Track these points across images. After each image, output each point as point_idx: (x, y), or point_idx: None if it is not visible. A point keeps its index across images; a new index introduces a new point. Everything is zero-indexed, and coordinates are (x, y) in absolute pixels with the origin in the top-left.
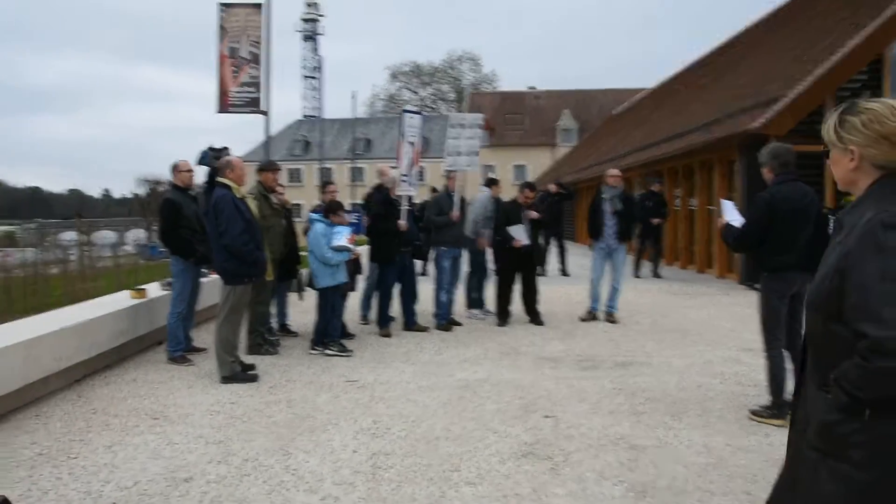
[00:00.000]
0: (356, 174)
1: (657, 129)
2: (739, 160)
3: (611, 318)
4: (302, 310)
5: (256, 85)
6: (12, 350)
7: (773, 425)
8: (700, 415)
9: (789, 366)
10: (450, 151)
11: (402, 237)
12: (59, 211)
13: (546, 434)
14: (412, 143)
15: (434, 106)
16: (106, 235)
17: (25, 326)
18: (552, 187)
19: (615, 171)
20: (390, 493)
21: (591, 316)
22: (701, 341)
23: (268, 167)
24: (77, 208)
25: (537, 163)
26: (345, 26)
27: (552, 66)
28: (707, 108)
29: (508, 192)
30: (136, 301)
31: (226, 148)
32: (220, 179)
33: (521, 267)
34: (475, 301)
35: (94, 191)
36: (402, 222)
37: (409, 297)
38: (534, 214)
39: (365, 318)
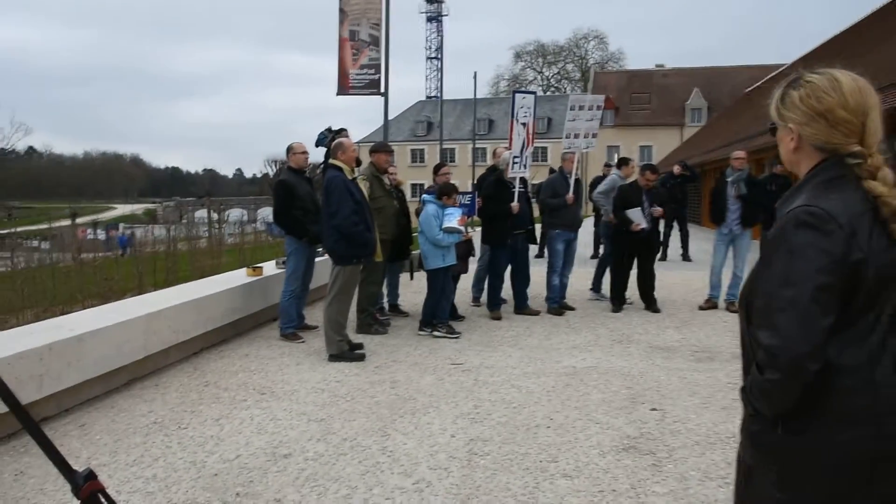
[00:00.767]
0: (478, 154)
1: None
2: (887, 139)
3: (731, 308)
4: (414, 290)
5: (376, 67)
6: (134, 323)
7: None
8: None
9: None
10: (568, 133)
11: (515, 219)
12: (195, 190)
13: (651, 428)
14: (524, 124)
15: (559, 86)
16: (236, 213)
17: (148, 301)
18: (676, 169)
19: (740, 153)
20: (484, 480)
21: (710, 304)
22: None
23: (380, 148)
24: (210, 187)
25: (664, 143)
26: (470, 6)
27: (682, 42)
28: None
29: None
30: (252, 279)
31: (343, 129)
32: (331, 161)
33: (639, 252)
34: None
35: (229, 170)
36: (515, 204)
37: (521, 280)
38: (658, 211)
39: (476, 301)
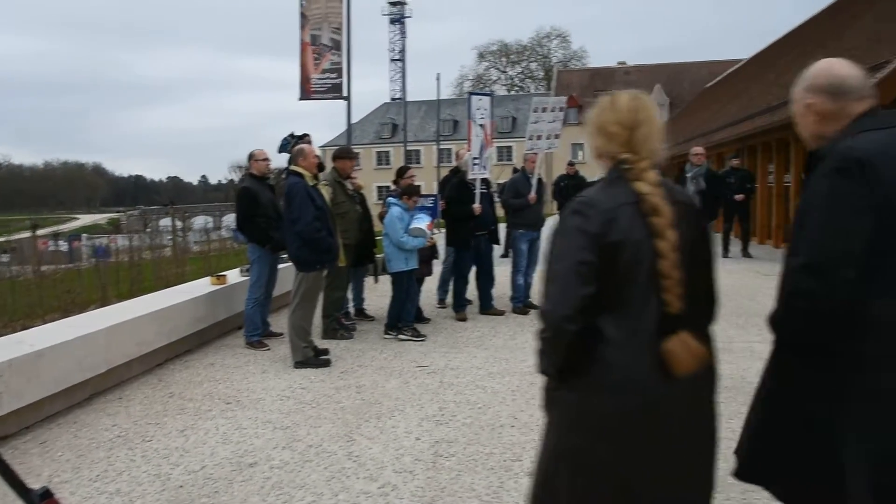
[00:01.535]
0: (443, 155)
1: (752, 102)
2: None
3: None
4: (380, 294)
5: (338, 71)
6: (95, 336)
7: None
8: None
9: None
10: (530, 135)
11: (478, 221)
12: (159, 198)
13: None
14: (482, 126)
15: (523, 85)
16: (202, 220)
17: (109, 313)
18: None
19: (698, 149)
20: (449, 482)
21: None
22: None
23: (344, 154)
24: (174, 195)
25: None
26: (433, 8)
27: (644, 40)
28: None
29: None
30: (216, 287)
31: (306, 135)
32: (292, 168)
33: None
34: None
35: (193, 177)
36: (477, 206)
37: (486, 281)
38: None
39: (442, 303)
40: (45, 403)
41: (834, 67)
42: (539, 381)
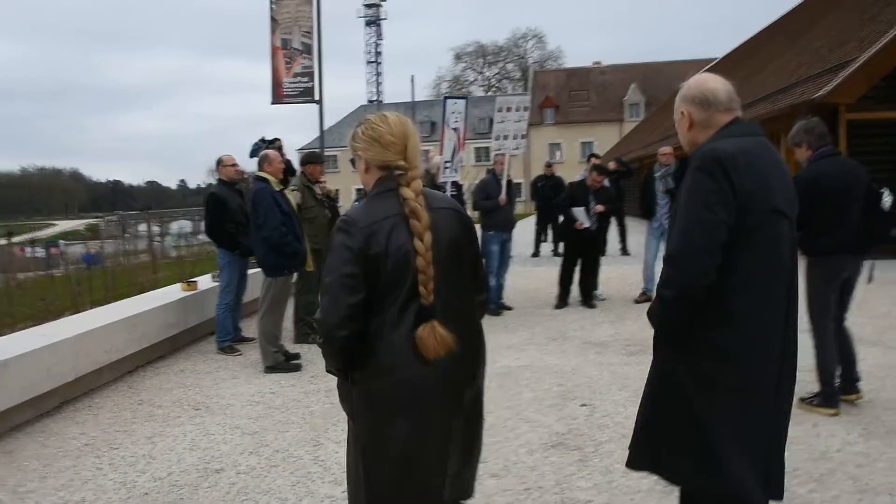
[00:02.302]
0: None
1: None
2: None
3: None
4: None
5: (310, 75)
6: (63, 344)
7: (823, 414)
8: None
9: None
10: (497, 135)
11: None
12: (135, 204)
13: (580, 424)
14: (456, 129)
15: (500, 86)
16: (182, 225)
17: (78, 321)
18: (611, 164)
19: (666, 149)
20: None
21: (645, 298)
22: None
23: (312, 159)
24: (153, 199)
25: (604, 139)
26: (409, 9)
27: (619, 40)
28: (776, 76)
29: (575, 170)
30: (187, 293)
31: (277, 139)
32: (258, 173)
33: (583, 251)
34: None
35: (172, 182)
36: None
37: None
38: (600, 208)
39: None
40: (13, 413)
41: (707, 82)
42: (505, 381)
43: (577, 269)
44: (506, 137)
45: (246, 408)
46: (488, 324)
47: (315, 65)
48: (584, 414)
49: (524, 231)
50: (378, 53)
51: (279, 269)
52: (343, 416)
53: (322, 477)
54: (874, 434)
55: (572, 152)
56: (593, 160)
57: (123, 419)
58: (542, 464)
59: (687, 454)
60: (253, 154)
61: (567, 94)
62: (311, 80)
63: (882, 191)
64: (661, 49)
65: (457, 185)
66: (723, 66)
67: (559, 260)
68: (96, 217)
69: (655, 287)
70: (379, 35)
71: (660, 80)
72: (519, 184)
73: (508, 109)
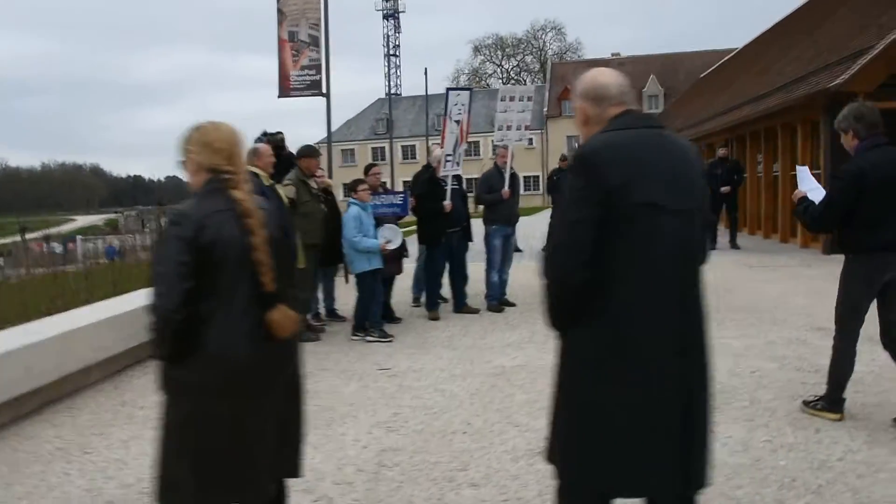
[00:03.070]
0: None
1: (741, 91)
2: (823, 122)
3: None
4: (354, 293)
5: (317, 68)
6: (45, 343)
7: (826, 419)
8: (747, 405)
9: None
10: (500, 125)
11: (449, 217)
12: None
13: None
14: (458, 122)
15: (518, 78)
16: None
17: (65, 319)
18: None
19: None
20: (387, 494)
21: None
22: (768, 320)
23: (308, 153)
24: (175, 195)
25: None
26: (427, 2)
27: (638, 31)
28: (794, 65)
29: None
30: None
31: (279, 133)
32: (248, 168)
33: None
34: None
35: None
36: (447, 203)
37: (459, 279)
38: None
39: (417, 301)
40: None
41: (599, 77)
42: (498, 382)
43: None
44: (509, 128)
45: None
46: (489, 321)
47: (322, 57)
48: None
49: (540, 224)
50: (396, 46)
51: None
52: (326, 419)
53: (294, 484)
54: (879, 441)
55: None
56: None
57: (102, 421)
58: (526, 472)
59: (556, 438)
60: None
61: None
62: (319, 72)
63: None
64: (680, 40)
65: (458, 179)
66: (742, 56)
67: None
68: (116, 212)
69: None
70: (397, 28)
71: (679, 71)
72: (536, 177)
73: (511, 99)
